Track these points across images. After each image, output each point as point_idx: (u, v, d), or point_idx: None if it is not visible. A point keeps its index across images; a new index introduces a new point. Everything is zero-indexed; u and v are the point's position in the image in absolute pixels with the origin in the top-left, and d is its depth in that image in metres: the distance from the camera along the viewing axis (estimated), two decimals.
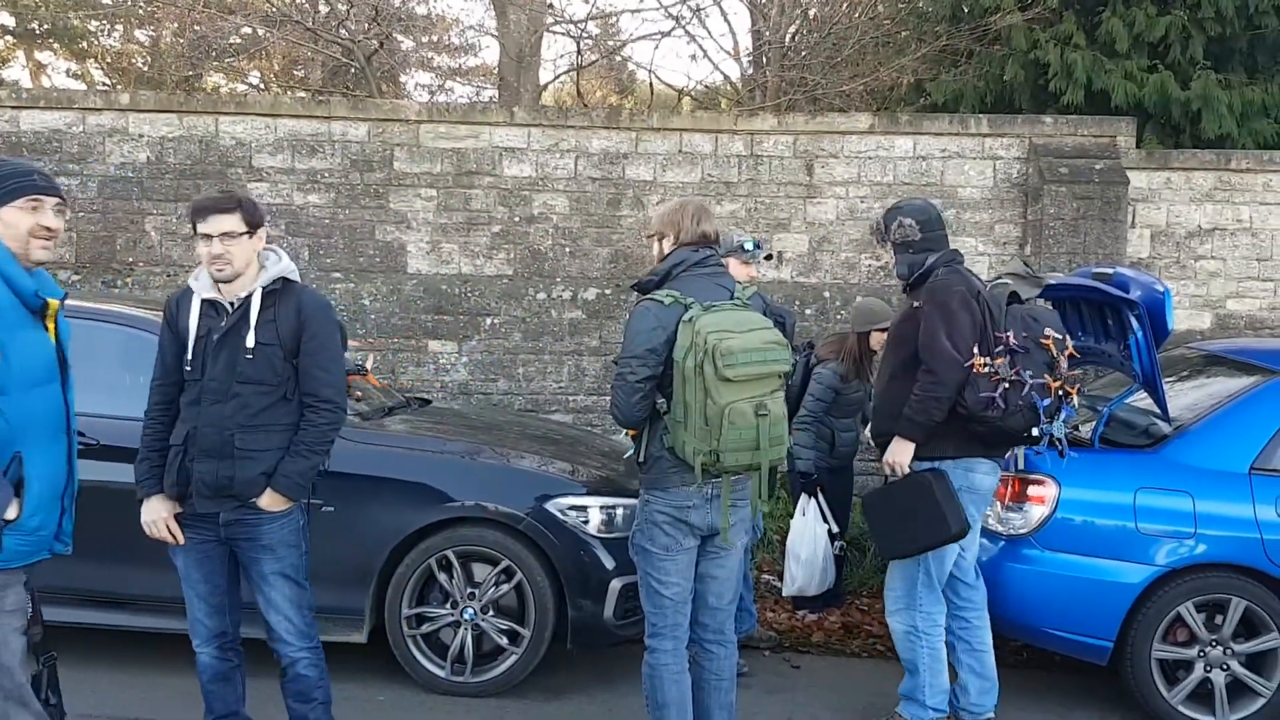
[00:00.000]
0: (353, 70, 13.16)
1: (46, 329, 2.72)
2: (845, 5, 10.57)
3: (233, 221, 3.17)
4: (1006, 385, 3.72)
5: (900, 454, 3.84)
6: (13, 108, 7.45)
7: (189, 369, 3.22)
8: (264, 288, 3.26)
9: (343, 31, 11.16)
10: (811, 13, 11.31)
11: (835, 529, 5.18)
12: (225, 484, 3.19)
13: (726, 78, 12.58)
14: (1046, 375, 3.78)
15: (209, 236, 3.16)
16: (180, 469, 3.24)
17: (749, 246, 4.50)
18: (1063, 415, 3.85)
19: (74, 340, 4.44)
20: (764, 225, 7.55)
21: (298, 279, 3.36)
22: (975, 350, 3.74)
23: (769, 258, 4.83)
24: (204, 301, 3.25)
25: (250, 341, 3.19)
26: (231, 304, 3.25)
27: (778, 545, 6.11)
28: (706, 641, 3.48)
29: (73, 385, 2.84)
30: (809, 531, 5.15)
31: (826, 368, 5.33)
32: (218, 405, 3.18)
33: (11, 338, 2.63)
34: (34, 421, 2.68)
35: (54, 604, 4.21)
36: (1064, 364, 3.84)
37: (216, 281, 3.23)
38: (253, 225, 3.22)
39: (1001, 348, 3.78)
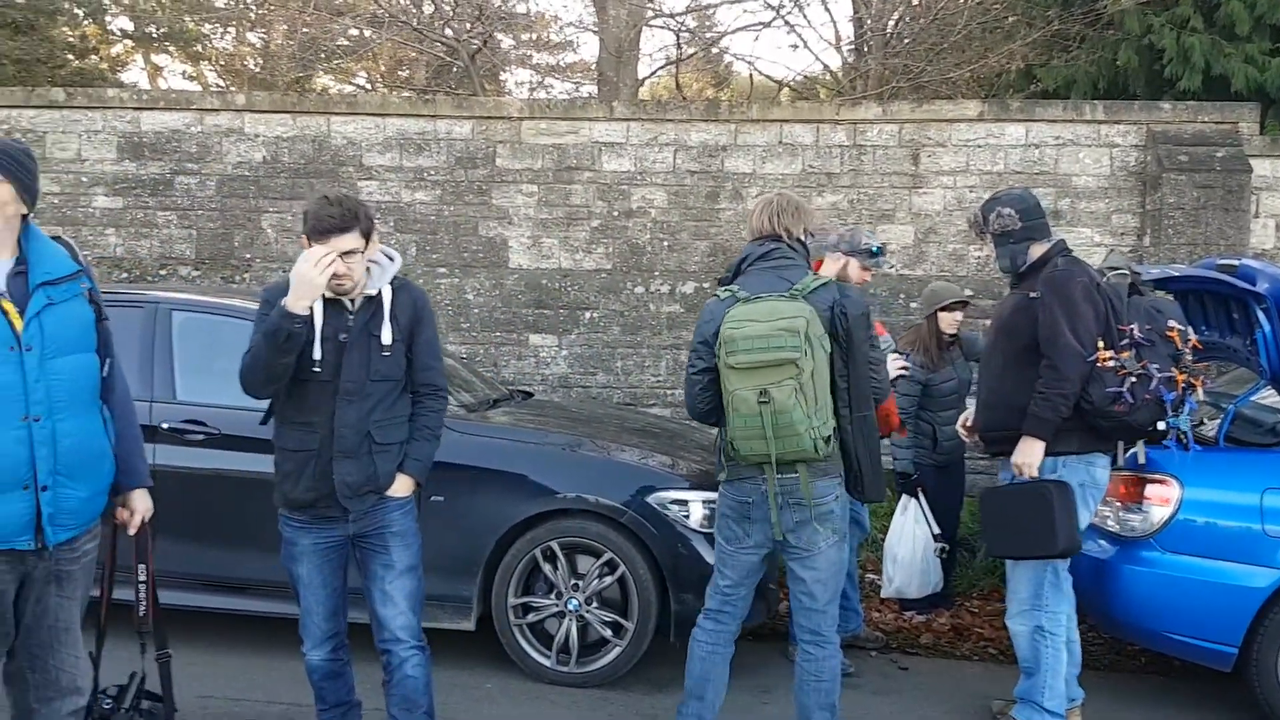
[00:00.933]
0: (455, 69, 13.38)
1: (1, 308, 2.56)
2: None
3: (353, 239, 3.10)
4: (1133, 379, 3.61)
5: (1031, 454, 3.73)
6: (134, 109, 7.76)
7: (318, 370, 3.14)
8: (392, 285, 3.27)
9: (448, 31, 11.35)
10: None
11: (936, 531, 5.07)
12: (369, 480, 3.20)
13: (827, 67, 12.44)
14: (1173, 368, 3.66)
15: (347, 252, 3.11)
16: (314, 474, 3.18)
17: (875, 250, 4.47)
18: (1186, 409, 3.74)
19: (192, 334, 4.69)
20: (867, 216, 7.43)
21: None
22: (1100, 343, 3.63)
23: (879, 252, 4.73)
24: (326, 300, 3.17)
25: (387, 339, 3.20)
26: (352, 301, 3.21)
27: (882, 544, 6.02)
28: (804, 642, 3.46)
29: (53, 368, 2.60)
30: (908, 532, 5.06)
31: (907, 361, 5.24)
32: (354, 405, 3.15)
33: None
34: None
35: (173, 588, 4.40)
36: (1189, 356, 3.71)
37: (335, 294, 3.18)
38: (367, 236, 3.17)
39: (1126, 340, 3.67)
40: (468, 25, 11.57)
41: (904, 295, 7.34)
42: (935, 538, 5.04)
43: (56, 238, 2.80)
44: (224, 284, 7.55)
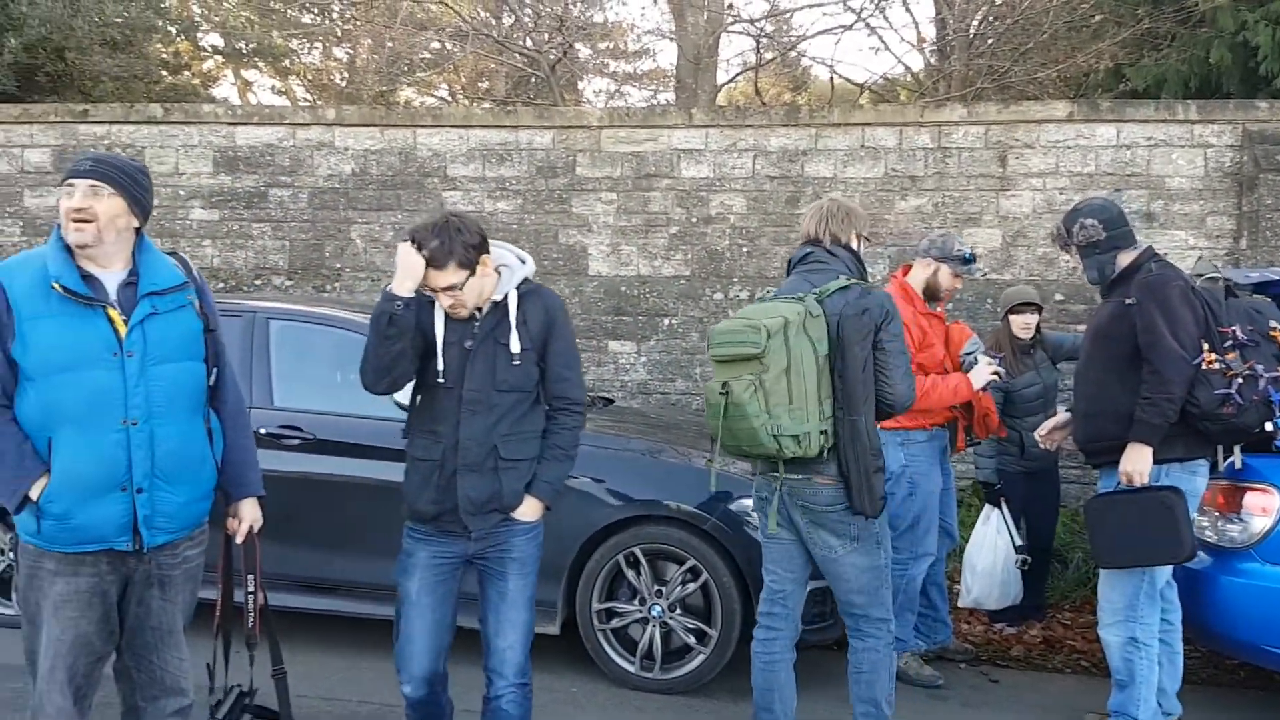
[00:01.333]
0: (533, 80, 13.55)
1: (107, 315, 2.66)
2: None
3: (450, 275, 2.93)
4: (1240, 380, 3.56)
5: (1140, 461, 3.66)
6: (229, 124, 8.03)
7: (441, 379, 3.01)
8: (519, 290, 3.07)
9: (528, 42, 11.52)
10: None
11: (1019, 542, 4.98)
12: (494, 498, 3.03)
13: (909, 69, 12.28)
14: (1278, 367, 3.61)
15: (449, 288, 2.95)
16: (438, 486, 3.03)
17: (967, 257, 4.46)
18: None
19: (288, 342, 4.83)
20: (953, 220, 7.33)
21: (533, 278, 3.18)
22: (1204, 346, 3.58)
23: (971, 259, 4.63)
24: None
25: (516, 347, 3.01)
26: (479, 309, 3.06)
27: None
28: (849, 633, 3.52)
29: (154, 374, 2.69)
30: (988, 542, 4.97)
31: None
32: (479, 416, 3.00)
33: (34, 326, 2.61)
34: (61, 407, 2.62)
35: (269, 589, 4.53)
36: None
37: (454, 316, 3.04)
38: (470, 266, 2.96)
39: (1230, 342, 3.62)
40: (545, 36, 11.71)
41: (991, 300, 7.21)
42: (1017, 549, 4.95)
43: (172, 253, 2.92)
44: (315, 293, 7.75)
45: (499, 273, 3.07)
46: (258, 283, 7.91)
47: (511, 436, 3.04)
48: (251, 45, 18.26)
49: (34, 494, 2.62)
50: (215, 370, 2.89)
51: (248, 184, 7.96)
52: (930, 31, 12.01)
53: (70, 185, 2.67)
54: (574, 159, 7.75)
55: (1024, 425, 5.12)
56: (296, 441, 4.59)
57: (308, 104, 16.30)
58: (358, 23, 14.20)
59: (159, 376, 2.70)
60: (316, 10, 16.68)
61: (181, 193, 7.99)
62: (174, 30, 16.04)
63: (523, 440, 3.08)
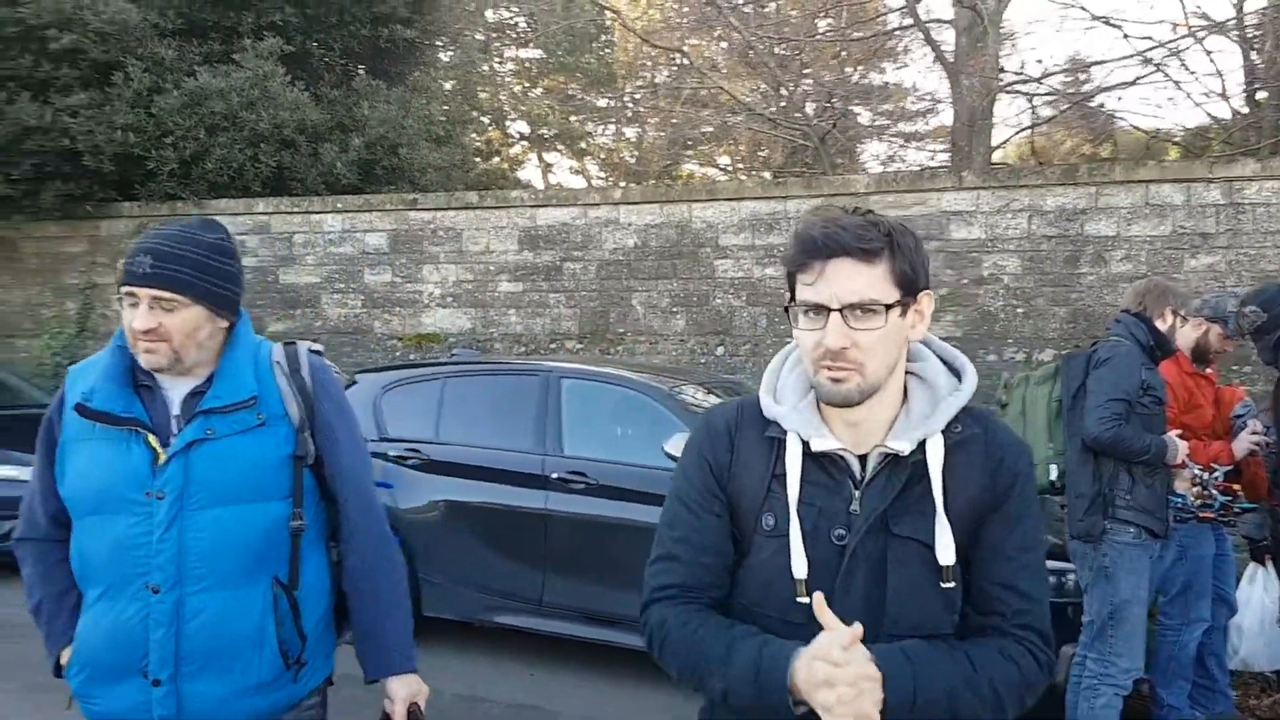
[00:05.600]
0: (809, 148, 13.98)
1: (148, 443, 1.94)
2: None
3: (871, 280, 1.48)
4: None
5: None
6: (532, 206, 8.98)
7: (801, 598, 1.49)
8: (946, 435, 1.54)
9: (798, 116, 11.96)
10: None
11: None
12: None
13: (1214, 119, 11.55)
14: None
15: (817, 309, 1.49)
16: None
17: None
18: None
19: (580, 398, 5.45)
20: (1248, 279, 6.90)
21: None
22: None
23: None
24: (809, 454, 1.55)
25: (947, 554, 1.50)
26: (861, 459, 1.56)
27: None
28: None
29: (193, 522, 1.93)
30: (1255, 601, 4.67)
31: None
32: None
33: (74, 450, 1.99)
34: (89, 559, 1.98)
35: (558, 619, 5.11)
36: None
37: (827, 403, 1.54)
38: (909, 287, 1.51)
39: None
40: (818, 109, 12.09)
41: None
42: None
43: (313, 344, 2.17)
44: (601, 355, 8.45)
45: (905, 402, 1.59)
46: (552, 346, 8.73)
47: None
48: (553, 131, 20.05)
49: (63, 660, 2.05)
50: (305, 509, 2.05)
51: (546, 259, 8.83)
52: (1237, 80, 11.29)
53: (132, 296, 1.93)
54: None
55: None
56: (581, 486, 5.13)
57: (597, 185, 17.59)
58: (647, 105, 15.23)
59: (199, 526, 1.94)
60: (610, 95, 18.08)
61: (492, 268, 8.99)
62: (486, 120, 17.91)
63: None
